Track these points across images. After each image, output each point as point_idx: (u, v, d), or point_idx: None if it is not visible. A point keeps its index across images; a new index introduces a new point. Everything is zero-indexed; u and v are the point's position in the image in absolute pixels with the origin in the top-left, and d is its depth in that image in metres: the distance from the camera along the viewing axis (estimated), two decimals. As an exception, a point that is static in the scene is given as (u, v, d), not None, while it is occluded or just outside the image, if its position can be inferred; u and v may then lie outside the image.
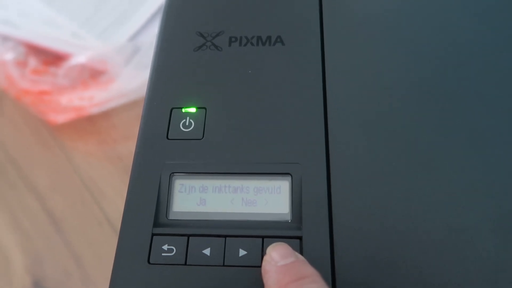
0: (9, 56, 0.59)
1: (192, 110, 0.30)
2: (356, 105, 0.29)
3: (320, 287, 0.22)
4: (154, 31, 0.62)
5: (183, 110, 0.30)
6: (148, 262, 0.25)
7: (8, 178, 0.58)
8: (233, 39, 0.33)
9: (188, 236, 0.26)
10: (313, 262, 0.24)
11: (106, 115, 0.59)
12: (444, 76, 0.30)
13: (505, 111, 0.29)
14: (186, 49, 0.33)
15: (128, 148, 0.58)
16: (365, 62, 0.31)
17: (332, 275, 0.24)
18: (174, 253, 0.25)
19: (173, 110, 0.30)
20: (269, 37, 0.33)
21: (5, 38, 0.61)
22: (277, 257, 0.23)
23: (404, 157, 0.27)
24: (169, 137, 0.29)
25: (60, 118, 0.58)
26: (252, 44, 0.32)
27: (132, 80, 0.56)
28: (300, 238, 0.25)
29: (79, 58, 0.58)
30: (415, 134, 0.28)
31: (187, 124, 0.29)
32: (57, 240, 0.53)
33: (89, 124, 0.59)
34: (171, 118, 0.30)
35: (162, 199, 0.27)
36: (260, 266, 0.24)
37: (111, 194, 0.55)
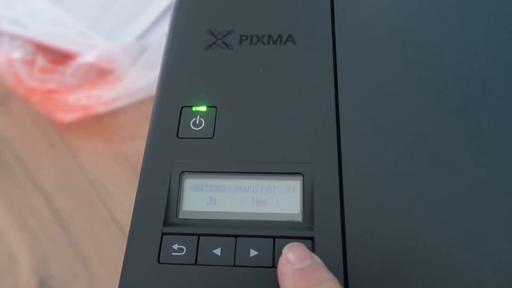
0: (17, 55, 0.58)
1: (203, 108, 0.30)
2: (368, 104, 0.29)
3: None
4: (161, 30, 0.61)
5: (194, 108, 0.30)
6: (158, 261, 0.25)
7: (15, 177, 0.58)
8: (243, 38, 0.33)
9: (199, 235, 0.25)
10: (325, 262, 0.23)
11: (113, 114, 0.59)
12: (457, 75, 0.30)
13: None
14: (196, 47, 0.32)
15: (135, 147, 0.57)
16: (377, 61, 0.31)
17: (345, 276, 0.24)
18: (184, 253, 0.25)
19: (183, 109, 0.30)
20: (280, 36, 0.32)
21: (13, 37, 0.61)
22: (294, 259, 0.23)
23: (416, 157, 0.27)
24: (179, 136, 0.29)
25: (67, 117, 0.57)
26: (263, 42, 0.32)
27: (140, 79, 0.56)
28: (312, 238, 0.25)
29: (87, 57, 0.58)
30: (428, 133, 0.28)
31: (197, 122, 0.29)
32: (64, 240, 0.53)
33: (96, 123, 0.59)
34: (181, 117, 0.29)
35: (172, 198, 0.27)
36: (271, 267, 0.24)
37: (118, 194, 0.55)
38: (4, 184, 0.57)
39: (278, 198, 0.27)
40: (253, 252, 0.25)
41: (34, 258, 0.52)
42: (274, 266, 0.24)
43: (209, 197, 0.27)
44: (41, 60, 0.58)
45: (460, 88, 0.29)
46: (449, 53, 0.31)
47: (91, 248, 0.52)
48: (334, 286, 0.21)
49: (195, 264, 0.25)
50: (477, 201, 0.26)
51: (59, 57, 0.60)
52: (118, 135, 0.59)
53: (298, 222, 0.26)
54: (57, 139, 0.59)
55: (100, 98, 0.56)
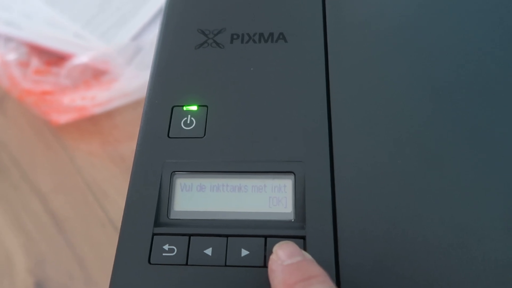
0: (11, 56, 0.58)
1: (194, 108, 0.30)
2: (360, 102, 0.29)
3: (328, 287, 0.21)
4: (156, 31, 0.61)
5: (184, 108, 0.30)
6: (149, 262, 0.25)
7: (11, 179, 0.57)
8: (235, 36, 0.32)
9: (190, 235, 0.25)
10: (317, 261, 0.23)
11: (109, 115, 0.59)
12: (450, 72, 0.30)
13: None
14: (187, 46, 0.32)
15: (130, 148, 0.57)
16: (369, 59, 0.31)
17: (337, 275, 0.24)
18: (175, 253, 0.25)
19: (174, 108, 0.30)
20: (271, 34, 0.32)
21: (8, 39, 0.61)
22: (284, 256, 0.22)
23: (409, 155, 0.27)
24: (170, 136, 0.29)
25: (62, 118, 0.57)
26: (254, 41, 0.32)
27: (134, 79, 0.56)
28: (303, 237, 0.25)
29: (82, 58, 0.58)
30: (420, 131, 0.28)
31: (188, 122, 0.29)
32: (60, 241, 0.53)
33: (91, 124, 0.59)
34: (172, 116, 0.29)
35: (163, 198, 0.27)
36: (262, 266, 0.24)
37: (114, 195, 0.55)
38: (0, 185, 0.57)
39: (269, 197, 0.26)
40: (244, 252, 0.25)
41: (31, 260, 0.52)
42: (265, 265, 0.24)
43: (200, 196, 0.27)
44: (35, 62, 0.58)
45: (453, 86, 0.29)
46: (442, 51, 0.31)
47: (87, 249, 0.52)
48: (324, 279, 0.21)
49: (186, 264, 0.24)
50: (471, 200, 0.25)
51: (53, 59, 0.60)
52: (114, 136, 0.58)
53: (289, 221, 0.26)
54: (52, 141, 0.59)
55: (95, 99, 0.56)
